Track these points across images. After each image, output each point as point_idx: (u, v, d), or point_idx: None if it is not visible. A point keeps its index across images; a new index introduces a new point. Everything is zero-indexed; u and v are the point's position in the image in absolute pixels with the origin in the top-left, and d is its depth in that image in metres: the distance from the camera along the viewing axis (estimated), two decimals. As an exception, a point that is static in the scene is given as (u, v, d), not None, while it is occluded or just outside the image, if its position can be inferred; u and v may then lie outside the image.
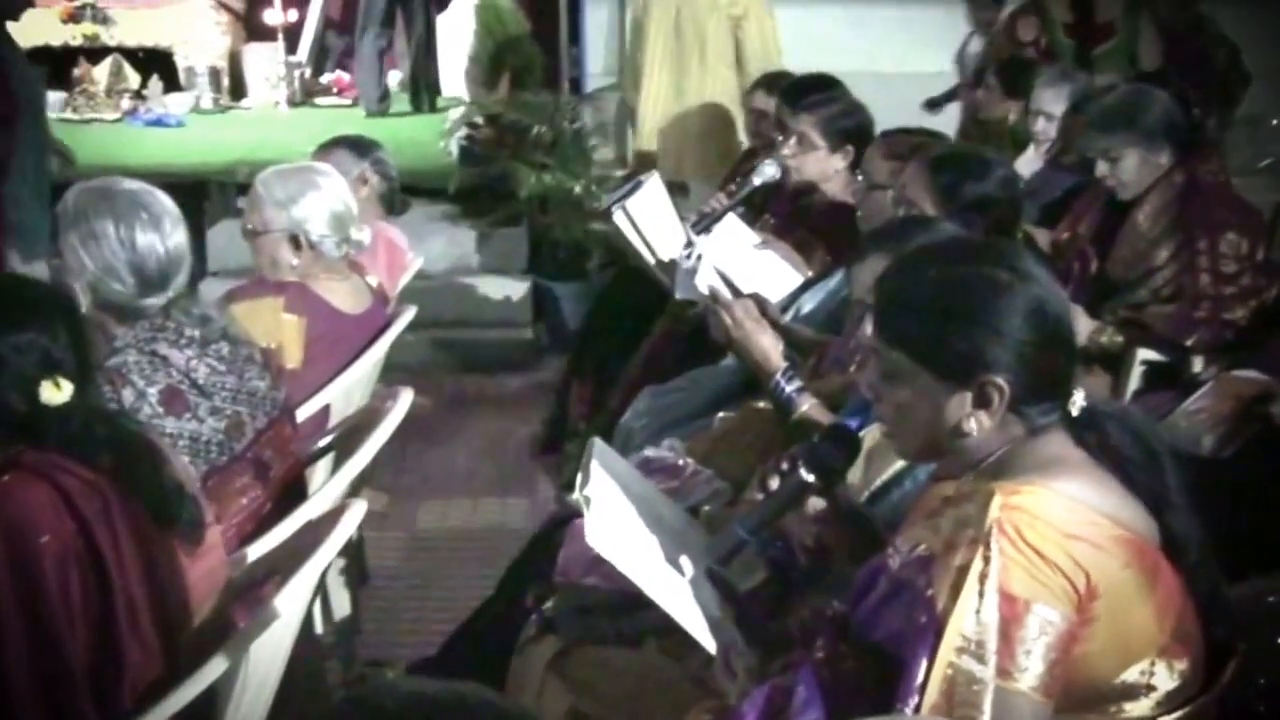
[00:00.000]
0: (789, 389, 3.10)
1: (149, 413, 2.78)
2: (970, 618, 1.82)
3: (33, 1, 7.38)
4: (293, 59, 10.54)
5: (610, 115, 8.92)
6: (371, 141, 4.94)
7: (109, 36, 10.31)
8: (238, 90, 10.76)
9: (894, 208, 3.48)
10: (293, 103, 10.39)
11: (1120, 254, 4.27)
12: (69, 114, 9.55)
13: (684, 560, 2.39)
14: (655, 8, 7.36)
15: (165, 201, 2.92)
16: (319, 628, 3.68)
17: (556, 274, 7.36)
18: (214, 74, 10.40)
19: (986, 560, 1.82)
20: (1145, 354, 4.12)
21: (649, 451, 3.34)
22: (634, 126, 7.76)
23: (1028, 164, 5.58)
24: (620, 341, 5.22)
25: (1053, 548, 1.83)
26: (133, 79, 10.25)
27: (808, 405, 3.06)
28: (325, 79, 10.89)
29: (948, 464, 2.08)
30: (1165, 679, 1.92)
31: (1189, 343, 4.07)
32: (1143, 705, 1.91)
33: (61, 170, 6.29)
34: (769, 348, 3.20)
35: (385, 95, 9.71)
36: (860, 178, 4.10)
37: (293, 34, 10.63)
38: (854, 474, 2.46)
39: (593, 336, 5.65)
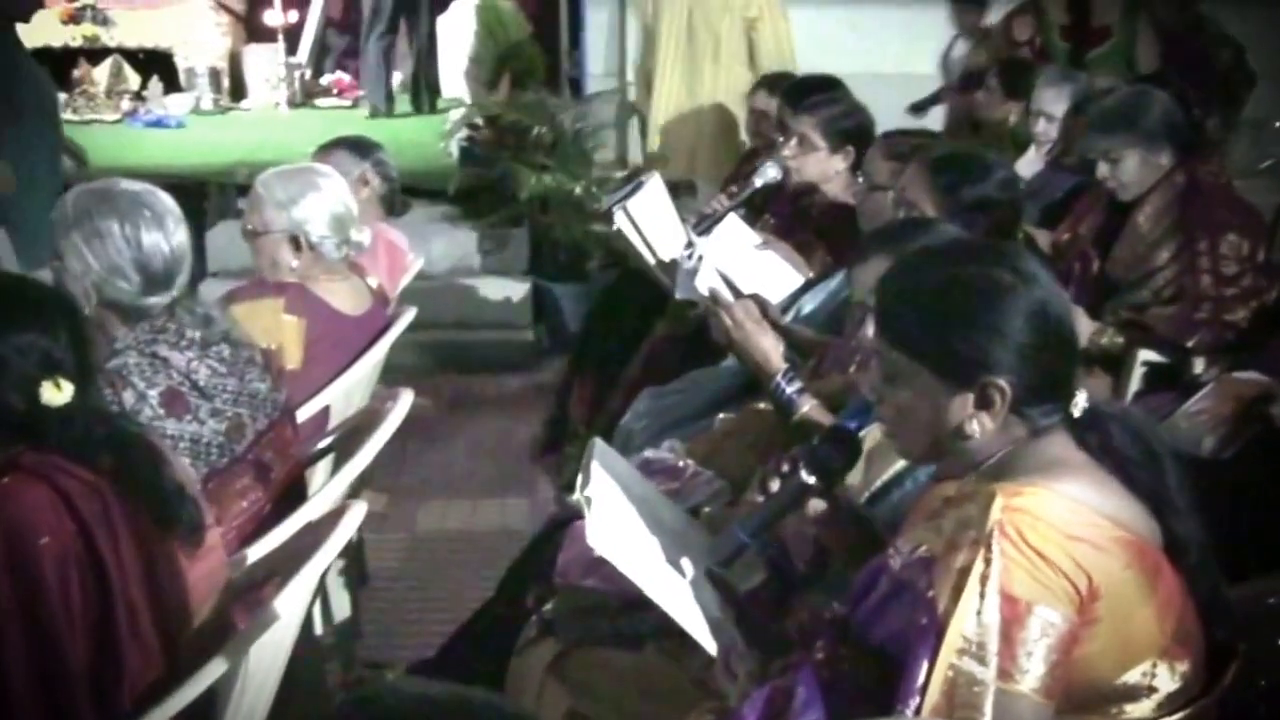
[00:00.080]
0: (789, 390, 3.10)
1: (150, 414, 2.77)
2: (971, 619, 1.82)
3: (42, 3, 7.40)
4: (293, 60, 10.54)
5: (611, 116, 8.91)
6: (372, 142, 4.94)
7: (109, 37, 10.31)
8: (238, 91, 10.77)
9: (894, 209, 3.48)
10: (293, 104, 10.39)
11: (1121, 255, 4.26)
12: (69, 115, 9.52)
13: (684, 561, 2.39)
14: (666, 11, 7.35)
15: (167, 200, 2.92)
16: (319, 629, 3.68)
17: (557, 275, 7.36)
18: (214, 75, 10.41)
19: (988, 561, 1.82)
20: (1146, 355, 4.12)
21: (649, 453, 3.34)
22: (644, 129, 7.75)
23: (1028, 165, 5.58)
24: (621, 342, 5.22)
25: (1054, 549, 1.82)
26: (133, 80, 10.26)
27: (808, 406, 3.06)
28: (325, 80, 10.90)
29: (949, 465, 2.08)
30: (1166, 680, 1.91)
31: (1190, 344, 4.07)
32: (1144, 707, 1.91)
33: (78, 170, 6.29)
34: (769, 349, 3.20)
35: (391, 97, 9.71)
36: (861, 179, 4.10)
37: (293, 35, 10.64)
38: (854, 475, 2.46)
39: (593, 337, 5.65)
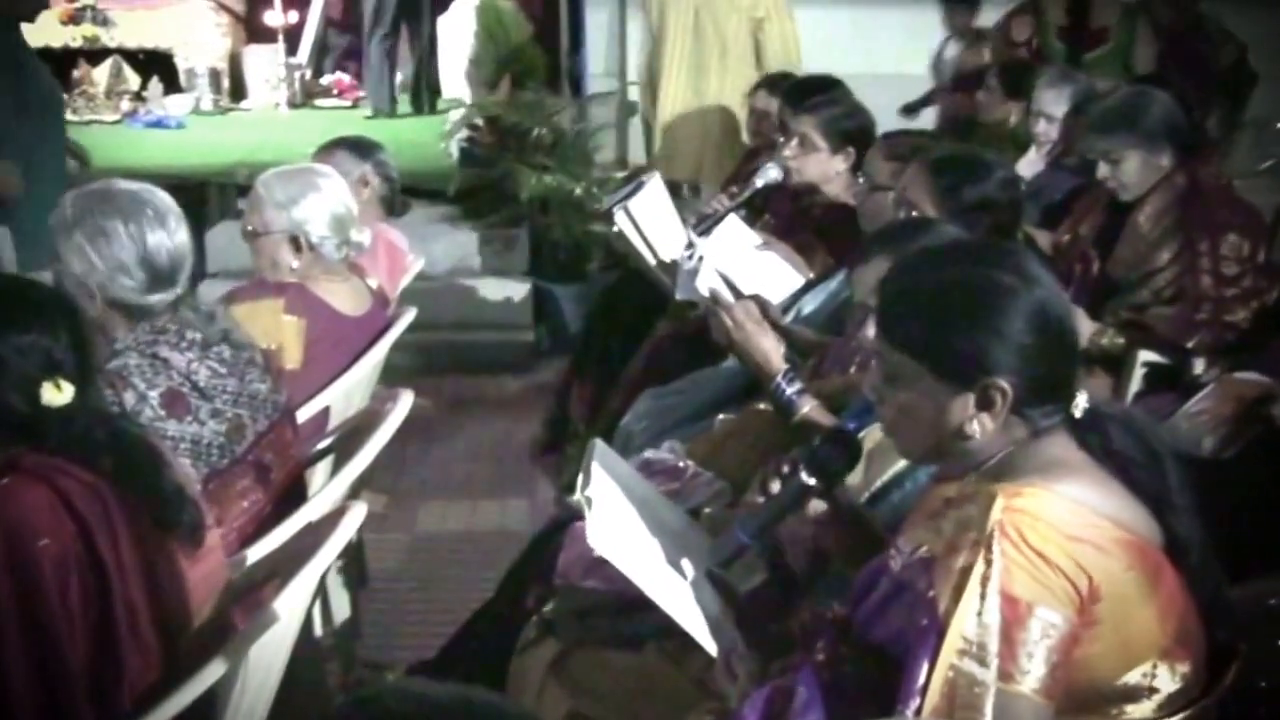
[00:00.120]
0: (790, 391, 3.10)
1: (150, 415, 2.77)
2: (972, 620, 1.82)
3: (47, 3, 7.39)
4: (293, 60, 10.53)
5: (611, 117, 8.91)
6: (373, 143, 4.93)
7: (109, 38, 10.30)
8: (238, 92, 10.76)
9: (895, 209, 3.48)
10: (293, 104, 10.39)
11: (1121, 256, 4.26)
12: (69, 116, 9.50)
13: (685, 562, 2.39)
14: (672, 12, 7.34)
15: (167, 199, 2.93)
16: (318, 630, 3.68)
17: (557, 276, 7.36)
18: (214, 75, 10.40)
19: (988, 562, 1.82)
20: (1146, 356, 4.11)
21: (650, 453, 3.34)
22: (649, 130, 7.74)
23: (1029, 165, 5.58)
24: (621, 343, 5.21)
25: (1055, 550, 1.82)
26: (133, 80, 10.25)
27: (809, 407, 3.06)
28: (325, 80, 10.89)
29: (950, 465, 2.08)
30: (1167, 681, 1.91)
31: (1190, 344, 4.06)
32: (1144, 708, 1.91)
33: (80, 171, 6.28)
34: (770, 349, 3.20)
35: (394, 98, 9.71)
36: (861, 179, 4.10)
37: (293, 35, 10.62)
38: (855, 475, 2.45)
39: (593, 338, 5.65)
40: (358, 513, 2.69)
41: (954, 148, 4.29)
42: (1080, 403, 2.00)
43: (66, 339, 2.24)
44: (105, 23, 10.26)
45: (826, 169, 4.59)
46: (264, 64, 10.60)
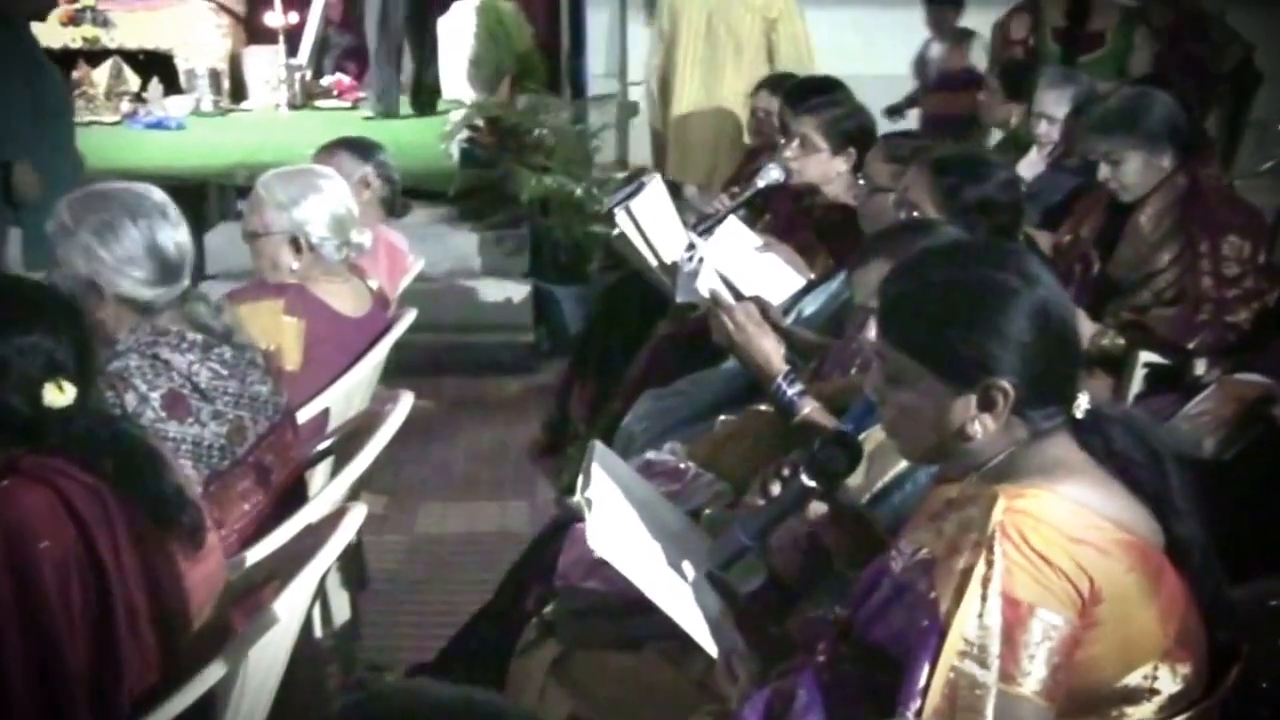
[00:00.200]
0: (790, 392, 3.10)
1: (151, 417, 2.77)
2: (973, 621, 1.81)
3: (56, 1, 7.40)
4: (293, 61, 10.53)
5: (612, 118, 8.92)
6: (374, 144, 4.93)
7: (109, 39, 10.29)
8: (238, 93, 10.75)
9: (896, 210, 3.48)
10: (293, 105, 10.38)
11: (1122, 256, 4.27)
12: (69, 116, 9.55)
13: (685, 563, 2.39)
14: (684, 14, 7.34)
15: (164, 195, 2.94)
16: (318, 631, 3.68)
17: (557, 277, 7.36)
18: (214, 76, 10.39)
19: (989, 564, 1.81)
20: (1147, 357, 4.11)
21: (650, 454, 3.34)
22: (661, 132, 7.74)
23: (1030, 167, 5.58)
24: (621, 344, 5.21)
25: (1057, 551, 1.82)
26: (132, 81, 10.24)
27: (809, 408, 3.06)
28: (326, 81, 10.89)
29: (951, 466, 2.07)
30: (1168, 683, 1.91)
31: (1191, 345, 4.07)
32: (1145, 709, 1.91)
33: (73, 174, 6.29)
34: (770, 351, 3.20)
35: (396, 99, 9.71)
36: (862, 180, 4.10)
37: (293, 36, 10.62)
38: (856, 476, 2.45)
39: (594, 339, 5.65)
40: (357, 514, 2.69)
41: (955, 149, 4.29)
42: (1082, 403, 2.00)
43: (68, 340, 2.24)
44: (105, 24, 10.25)
45: (827, 170, 4.60)
46: (264, 65, 10.60)
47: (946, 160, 3.50)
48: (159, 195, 2.92)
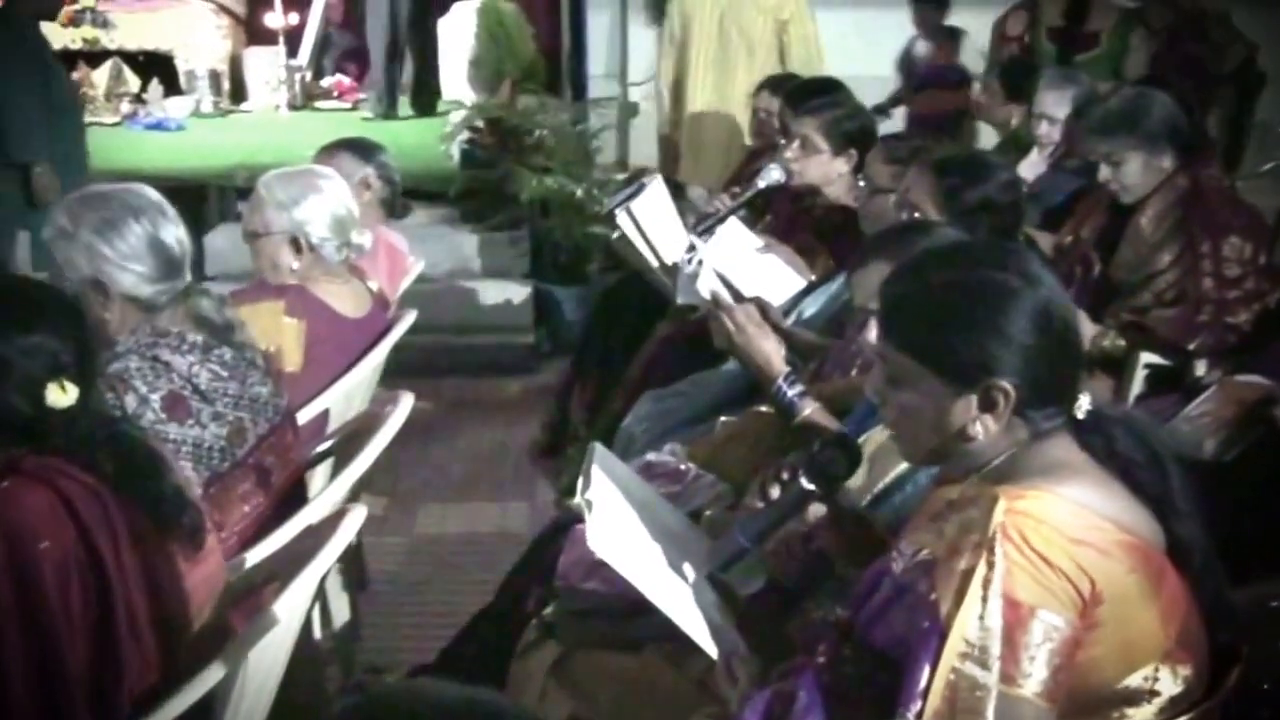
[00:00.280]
0: (791, 393, 3.10)
1: (152, 418, 2.77)
2: (974, 623, 1.81)
3: (64, 1, 7.41)
4: (293, 62, 10.53)
5: (612, 118, 8.91)
6: (374, 145, 4.93)
7: (109, 40, 10.29)
8: (238, 94, 10.75)
9: (897, 211, 3.47)
10: (293, 106, 10.38)
11: (1123, 257, 4.27)
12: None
13: (685, 565, 2.39)
14: (696, 17, 7.34)
15: (160, 196, 2.94)
16: (318, 633, 3.68)
17: (558, 278, 7.35)
18: (214, 77, 10.39)
19: (990, 565, 1.81)
20: (1148, 358, 4.12)
21: (650, 456, 3.34)
22: (668, 138, 7.74)
23: (1031, 168, 5.58)
24: (622, 345, 5.21)
25: (1058, 553, 1.82)
26: (132, 83, 10.24)
27: (810, 409, 3.05)
28: (326, 82, 10.88)
29: (952, 467, 2.07)
30: (1169, 684, 1.91)
31: (1192, 346, 4.07)
32: (1146, 711, 1.91)
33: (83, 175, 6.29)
34: (771, 352, 3.19)
35: (395, 100, 9.71)
36: (862, 182, 4.10)
37: (293, 37, 10.62)
38: (857, 478, 2.45)
39: (594, 340, 5.64)
40: (357, 515, 2.69)
41: (956, 149, 4.29)
42: (1083, 404, 2.00)
43: (71, 341, 2.24)
44: (105, 25, 10.24)
45: (828, 171, 4.59)
46: (264, 66, 10.59)
47: (947, 161, 3.50)
48: (154, 194, 2.93)
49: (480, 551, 4.82)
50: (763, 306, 3.50)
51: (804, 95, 4.77)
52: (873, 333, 2.71)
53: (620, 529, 2.41)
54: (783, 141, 4.76)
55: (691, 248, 4.26)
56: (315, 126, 8.99)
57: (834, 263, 4.34)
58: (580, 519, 2.62)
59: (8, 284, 2.50)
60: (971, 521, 1.87)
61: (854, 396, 2.86)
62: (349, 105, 10.49)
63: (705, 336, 3.46)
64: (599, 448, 2.62)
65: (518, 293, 7.30)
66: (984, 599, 1.81)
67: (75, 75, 9.83)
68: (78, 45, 10.11)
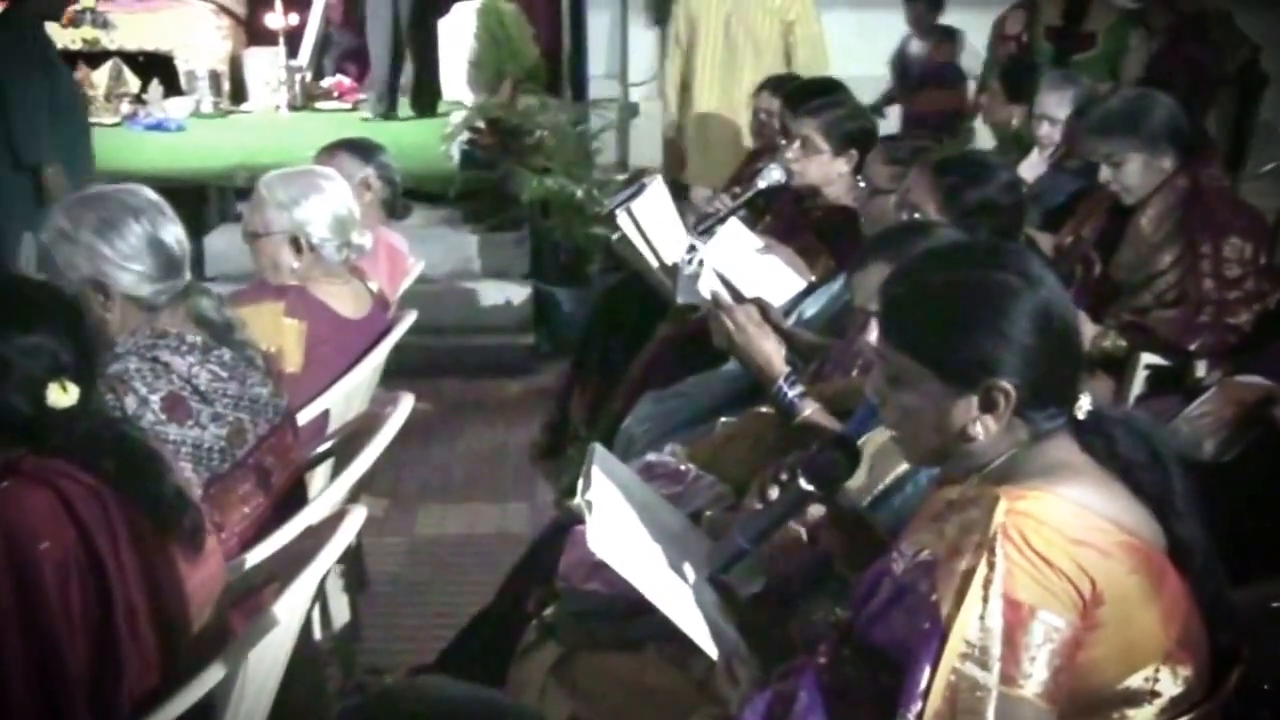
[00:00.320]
0: (791, 394, 3.10)
1: (151, 420, 2.77)
2: (974, 623, 1.81)
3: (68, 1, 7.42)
4: (294, 63, 10.54)
5: (613, 119, 8.90)
6: (375, 145, 4.93)
7: (109, 40, 10.30)
8: (238, 94, 10.76)
9: (897, 212, 3.47)
10: (293, 107, 10.39)
11: (1123, 258, 4.27)
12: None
13: (686, 566, 2.39)
14: (702, 20, 7.34)
15: (157, 195, 2.94)
16: (318, 634, 3.67)
17: (558, 278, 7.36)
18: (214, 78, 10.40)
19: (991, 566, 1.81)
20: (1149, 358, 4.12)
21: (651, 457, 3.33)
22: (674, 140, 7.73)
23: (1031, 168, 5.59)
24: (622, 346, 5.21)
25: (1058, 553, 1.82)
26: (133, 83, 10.26)
27: (810, 410, 3.05)
28: (326, 83, 10.89)
29: (952, 468, 2.07)
30: (1170, 685, 1.91)
31: (1192, 347, 4.07)
32: (1147, 712, 1.91)
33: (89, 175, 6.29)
34: (771, 353, 3.19)
35: (395, 101, 9.71)
36: (862, 183, 4.09)
37: (294, 38, 10.63)
38: (858, 478, 2.45)
39: (594, 341, 5.64)
40: (357, 516, 2.69)
41: (957, 150, 4.29)
42: (1083, 405, 2.00)
43: (72, 341, 2.24)
44: (105, 25, 10.25)
45: (829, 171, 4.59)
46: (264, 66, 10.61)
47: (948, 162, 3.50)
48: (152, 193, 2.93)
49: (480, 552, 4.82)
50: (763, 307, 3.50)
51: (804, 96, 4.77)
52: (873, 333, 2.71)
53: (620, 530, 2.41)
54: (783, 142, 4.76)
55: (692, 248, 4.26)
56: (315, 127, 8.99)
57: (834, 263, 4.33)
58: (580, 520, 2.61)
59: (8, 284, 2.49)
60: (972, 522, 1.87)
61: (854, 397, 2.85)
62: (349, 106, 10.50)
63: (706, 337, 3.46)
64: (599, 448, 2.62)
65: (518, 293, 7.30)
66: (984, 599, 1.80)
67: (75, 76, 9.85)
68: (78, 46, 10.12)
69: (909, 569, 1.96)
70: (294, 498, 3.08)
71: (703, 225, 4.71)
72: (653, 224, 4.74)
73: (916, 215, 3.36)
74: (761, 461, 2.93)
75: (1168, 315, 4.12)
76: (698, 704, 2.39)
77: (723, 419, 3.52)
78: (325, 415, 3.63)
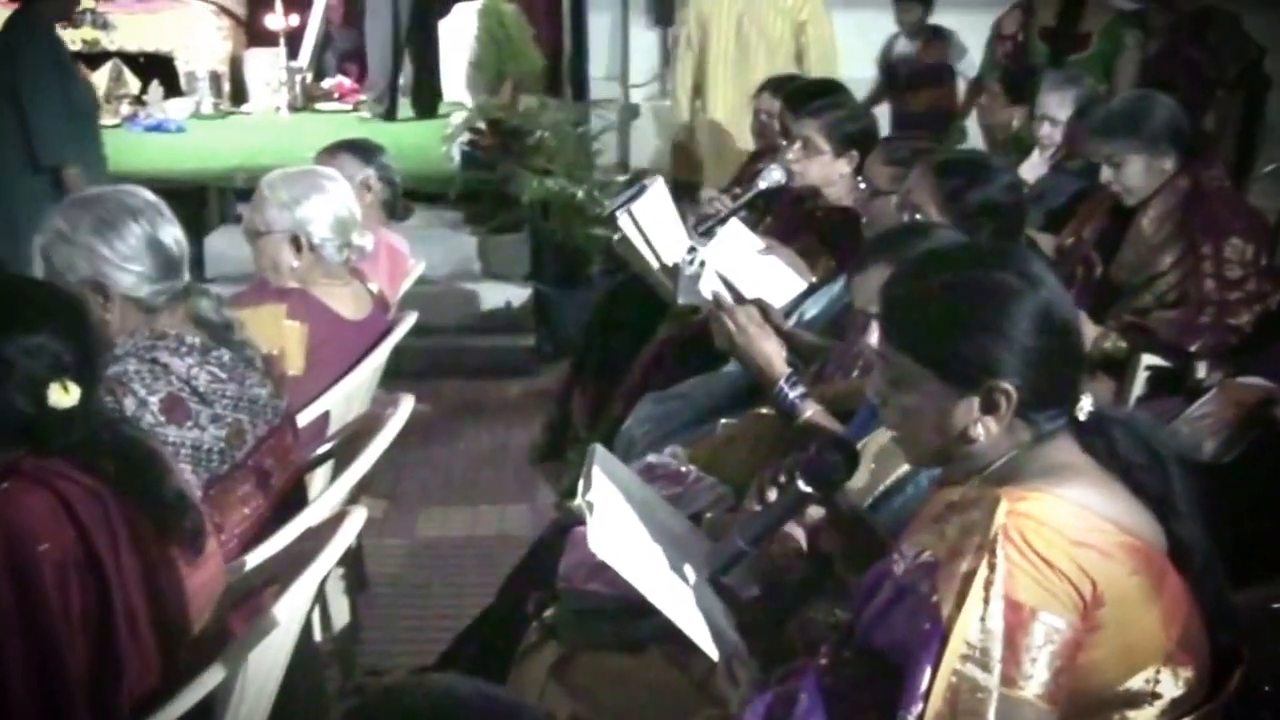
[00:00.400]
0: (792, 395, 3.09)
1: (151, 421, 2.76)
2: (975, 625, 1.81)
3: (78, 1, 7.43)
4: (294, 64, 10.54)
5: (613, 120, 8.91)
6: (376, 146, 4.93)
7: (109, 41, 10.31)
8: (238, 95, 10.76)
9: (898, 213, 3.47)
10: (294, 108, 10.39)
11: (1124, 259, 4.26)
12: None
13: (686, 567, 2.38)
14: (714, 22, 7.34)
15: (154, 196, 2.94)
16: (318, 636, 3.67)
17: (558, 280, 7.35)
18: (215, 79, 10.40)
19: (992, 567, 1.81)
20: (1149, 359, 4.11)
21: (651, 458, 3.33)
22: (685, 143, 7.73)
23: (1033, 169, 5.58)
24: (622, 347, 5.20)
25: (1059, 555, 1.82)
26: (133, 84, 10.26)
27: (811, 411, 3.05)
28: (326, 84, 10.89)
29: (953, 469, 2.07)
30: (1170, 686, 1.91)
31: (1193, 348, 4.06)
32: (1147, 713, 1.90)
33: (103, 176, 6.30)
34: (772, 354, 3.19)
35: (395, 102, 9.71)
36: (862, 184, 4.09)
37: (294, 39, 10.63)
38: (859, 479, 2.45)
39: (595, 342, 5.64)
40: (357, 518, 2.69)
41: (958, 151, 4.29)
42: (1084, 406, 1.99)
43: (74, 341, 2.24)
44: (105, 26, 10.26)
45: (829, 172, 4.58)
46: (265, 67, 10.61)
47: (949, 163, 3.49)
48: (150, 194, 2.93)
49: (480, 554, 4.82)
50: (764, 308, 3.49)
51: (805, 97, 4.76)
52: (873, 335, 2.71)
53: (621, 531, 2.41)
54: (784, 143, 4.75)
55: (692, 249, 4.26)
56: (315, 128, 8.99)
57: (835, 264, 4.33)
58: (581, 521, 2.61)
59: (10, 284, 2.49)
60: (973, 523, 1.86)
61: (855, 398, 2.85)
62: (349, 107, 10.50)
63: (706, 338, 3.45)
64: (600, 450, 2.61)
65: (518, 295, 7.30)
66: (985, 601, 1.80)
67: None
68: (78, 46, 10.10)
69: (910, 570, 1.96)
70: (294, 499, 3.08)
71: (703, 226, 4.71)
72: (653, 225, 4.74)
73: (918, 216, 3.35)
74: (762, 463, 2.93)
75: (1169, 316, 4.12)
76: (698, 705, 2.39)
77: (723, 420, 3.52)
78: (325, 416, 3.63)
